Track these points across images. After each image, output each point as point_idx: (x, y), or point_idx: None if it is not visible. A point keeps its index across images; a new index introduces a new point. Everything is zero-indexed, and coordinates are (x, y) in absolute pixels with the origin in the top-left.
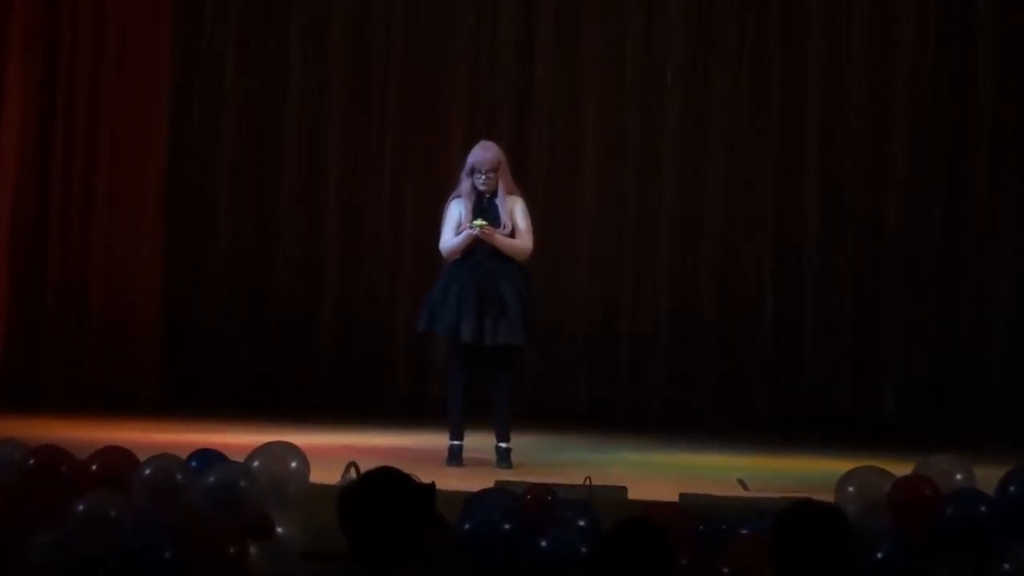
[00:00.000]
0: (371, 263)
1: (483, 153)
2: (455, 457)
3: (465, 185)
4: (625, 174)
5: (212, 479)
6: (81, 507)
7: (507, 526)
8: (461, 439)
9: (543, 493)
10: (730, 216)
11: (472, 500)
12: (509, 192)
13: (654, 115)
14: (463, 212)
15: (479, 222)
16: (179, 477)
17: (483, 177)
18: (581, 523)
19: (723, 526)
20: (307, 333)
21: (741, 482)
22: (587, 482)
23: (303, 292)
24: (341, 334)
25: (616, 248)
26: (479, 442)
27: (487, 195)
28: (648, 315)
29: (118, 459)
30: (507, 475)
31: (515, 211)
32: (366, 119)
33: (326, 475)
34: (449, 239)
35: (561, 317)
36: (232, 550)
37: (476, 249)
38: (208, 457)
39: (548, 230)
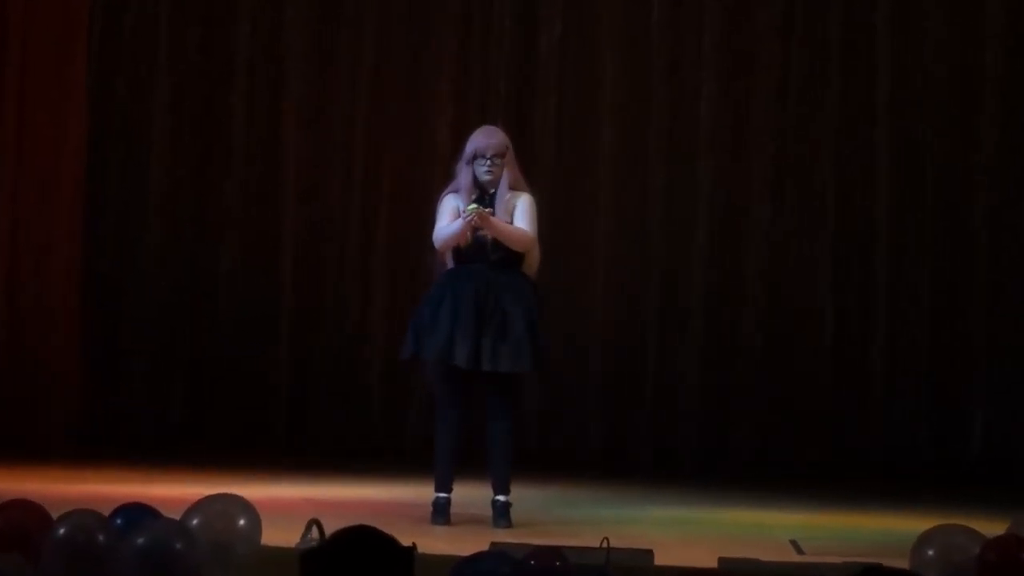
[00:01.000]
0: (338, 272)
1: (487, 138)
2: (442, 512)
3: (464, 177)
4: (650, 164)
5: (141, 540)
6: None
7: None
8: (449, 491)
9: (550, 557)
10: (780, 213)
11: (463, 566)
12: (513, 187)
13: (686, 89)
14: (461, 206)
15: (473, 207)
16: (101, 538)
17: (487, 163)
18: None
19: None
20: (260, 358)
21: (794, 544)
22: (604, 544)
23: (255, 307)
24: (302, 359)
25: (640, 254)
26: (472, 494)
27: (491, 189)
28: (679, 337)
29: (26, 516)
30: (506, 535)
31: (516, 206)
32: (332, 96)
33: (283, 536)
34: (443, 227)
35: (573, 340)
36: None
37: (475, 256)
38: (136, 513)
39: (557, 234)
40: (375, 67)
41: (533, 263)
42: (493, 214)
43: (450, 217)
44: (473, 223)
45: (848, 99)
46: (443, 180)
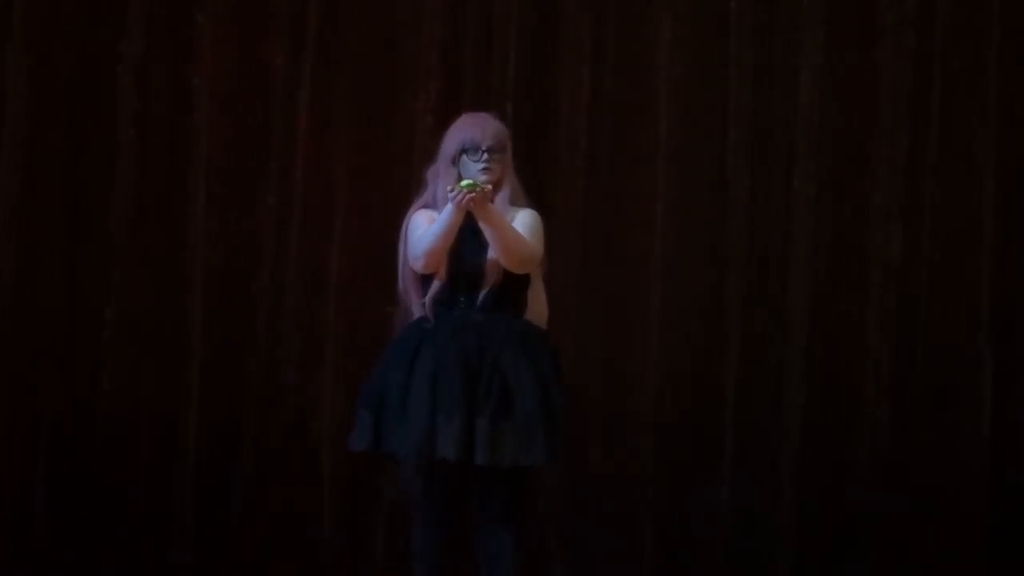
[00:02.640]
0: (270, 318)
1: (481, 125)
2: None
3: (443, 183)
4: (727, 168)
5: None
6: None
7: None
8: None
9: None
10: (917, 238)
11: None
12: (512, 201)
13: (781, 60)
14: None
15: (467, 182)
16: None
17: (484, 159)
18: None
19: None
20: (159, 445)
21: None
22: None
23: (152, 371)
24: (220, 445)
25: (712, 297)
26: None
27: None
28: (769, 419)
29: None
30: None
31: (516, 221)
32: (262, 68)
33: None
34: (422, 234)
35: (612, 423)
36: None
37: (458, 294)
38: None
39: (592, 265)
40: (323, 27)
41: (540, 310)
42: (486, 254)
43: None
44: (468, 204)
45: (1015, 67)
46: (422, 188)
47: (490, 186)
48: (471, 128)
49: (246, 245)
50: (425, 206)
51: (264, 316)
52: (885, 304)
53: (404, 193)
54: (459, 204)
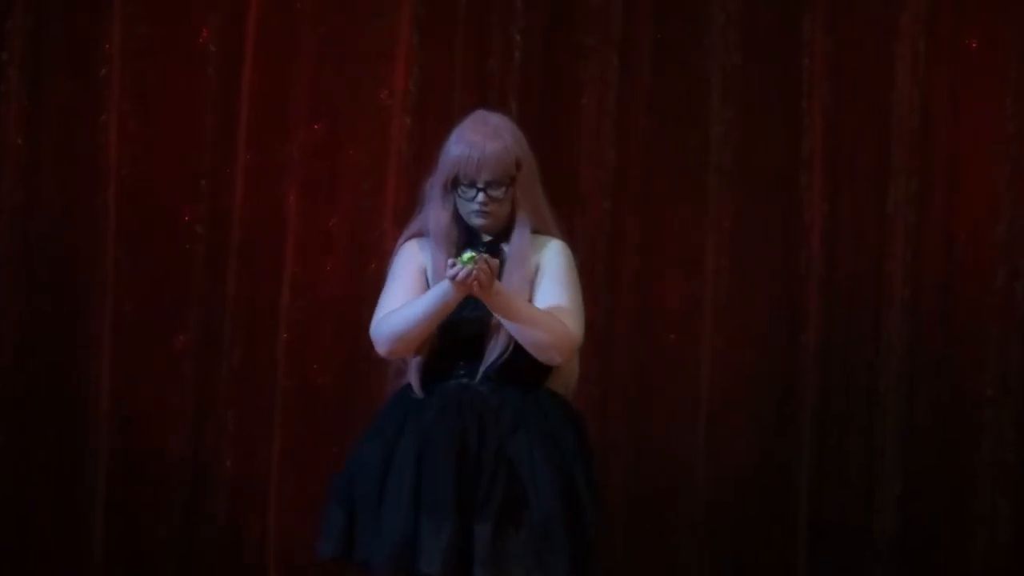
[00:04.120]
0: (197, 393)
1: (479, 143)
2: None
3: (436, 211)
4: (801, 183)
5: None
6: None
7: None
8: None
9: None
10: None
11: None
12: (537, 229)
13: (869, 38)
14: (432, 263)
15: (469, 256)
16: None
17: (479, 198)
18: None
19: None
20: (50, 567)
21: None
22: None
23: (39, 468)
24: (126, 566)
25: (781, 361)
26: None
27: (487, 237)
28: (854, 527)
29: None
30: None
31: (544, 267)
32: (192, 60)
33: None
34: (401, 309)
35: (651, 527)
36: None
37: (457, 362)
38: None
39: (618, 319)
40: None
41: (569, 372)
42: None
43: (413, 283)
44: (472, 286)
45: None
46: (400, 218)
47: (496, 261)
48: (465, 150)
49: (168, 286)
50: (418, 234)
51: (191, 378)
52: (1007, 364)
53: (373, 217)
54: (459, 283)
